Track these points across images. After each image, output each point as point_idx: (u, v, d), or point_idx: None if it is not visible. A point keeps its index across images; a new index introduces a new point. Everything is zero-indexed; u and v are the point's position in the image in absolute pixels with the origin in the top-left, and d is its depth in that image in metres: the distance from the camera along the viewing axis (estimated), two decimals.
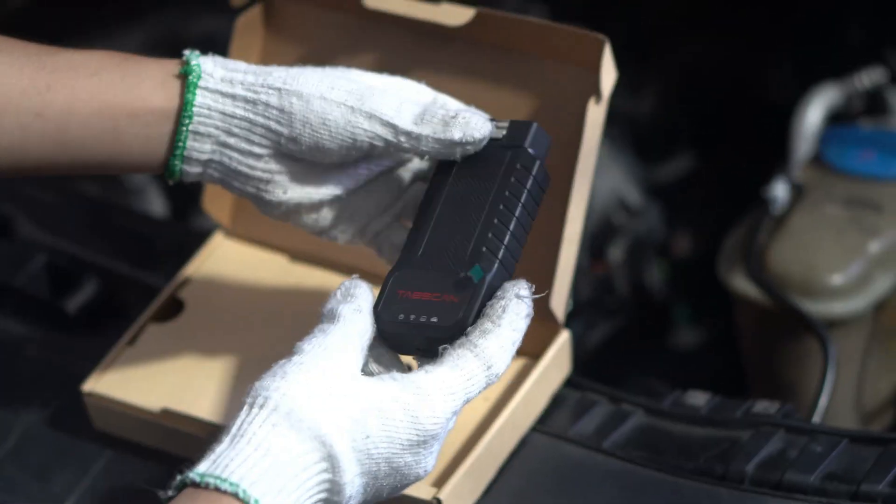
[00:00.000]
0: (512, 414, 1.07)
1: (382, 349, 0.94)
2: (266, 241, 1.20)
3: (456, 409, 0.91)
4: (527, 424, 1.09)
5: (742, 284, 1.50)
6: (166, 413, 1.09)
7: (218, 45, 1.71)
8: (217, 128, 0.97)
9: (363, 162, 1.00)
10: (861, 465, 1.05)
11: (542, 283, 1.07)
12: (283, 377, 0.88)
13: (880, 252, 1.49)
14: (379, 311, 0.93)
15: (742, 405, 1.12)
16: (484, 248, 0.94)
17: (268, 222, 1.05)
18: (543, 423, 1.10)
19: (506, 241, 0.95)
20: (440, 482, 1.03)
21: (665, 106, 1.83)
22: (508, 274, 0.95)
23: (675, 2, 1.83)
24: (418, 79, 1.10)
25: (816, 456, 1.06)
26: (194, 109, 0.97)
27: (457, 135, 0.96)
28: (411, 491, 1.01)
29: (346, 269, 1.13)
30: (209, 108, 0.97)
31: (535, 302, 1.07)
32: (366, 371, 0.92)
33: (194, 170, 0.98)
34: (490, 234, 0.94)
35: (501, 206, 0.95)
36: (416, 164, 1.02)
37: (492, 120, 0.98)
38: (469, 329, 0.92)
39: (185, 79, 0.97)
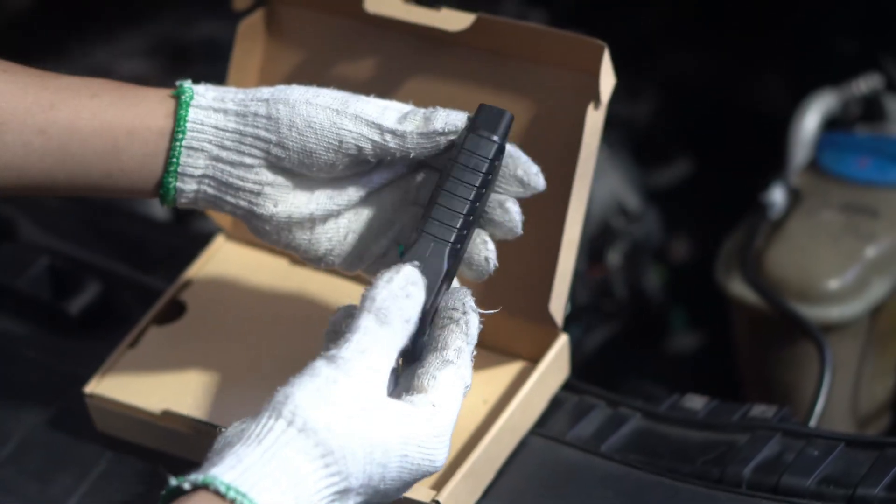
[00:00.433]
0: (510, 417, 1.07)
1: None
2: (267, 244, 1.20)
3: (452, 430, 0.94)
4: (525, 427, 1.10)
5: (739, 289, 1.50)
6: (168, 415, 1.09)
7: (220, 50, 1.72)
8: (210, 142, 0.99)
9: (354, 178, 1.01)
10: (857, 468, 1.05)
11: (541, 287, 1.08)
12: (324, 404, 0.87)
13: (876, 257, 1.49)
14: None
15: (739, 409, 1.12)
16: (434, 239, 0.95)
17: None
18: (541, 426, 1.11)
19: (457, 225, 0.95)
20: (439, 485, 1.03)
21: (663, 111, 1.83)
22: (456, 257, 0.96)
23: (672, 9, 1.84)
24: (418, 83, 1.11)
25: (813, 460, 1.06)
26: (187, 125, 0.98)
27: (438, 125, 0.97)
28: (411, 493, 1.02)
29: (347, 274, 1.13)
30: (202, 123, 0.98)
31: (534, 305, 1.08)
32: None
33: (189, 187, 0.99)
34: (440, 222, 0.95)
35: (449, 189, 0.96)
36: (407, 185, 1.02)
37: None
38: (443, 347, 0.94)
39: (179, 99, 0.99)
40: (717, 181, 1.80)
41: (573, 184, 1.06)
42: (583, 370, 1.20)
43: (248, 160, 0.99)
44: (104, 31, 1.81)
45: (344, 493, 0.88)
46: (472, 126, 0.97)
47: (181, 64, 1.78)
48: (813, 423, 1.21)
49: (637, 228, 1.70)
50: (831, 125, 1.59)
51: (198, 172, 0.99)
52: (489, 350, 1.10)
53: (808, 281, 1.48)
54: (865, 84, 1.59)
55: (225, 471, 0.85)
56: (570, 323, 1.12)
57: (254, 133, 0.99)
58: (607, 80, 1.06)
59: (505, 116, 0.97)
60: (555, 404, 1.12)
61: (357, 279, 1.16)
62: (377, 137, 0.98)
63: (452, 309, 0.95)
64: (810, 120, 1.58)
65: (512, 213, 0.99)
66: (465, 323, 0.95)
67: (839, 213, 1.52)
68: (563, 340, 1.11)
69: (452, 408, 0.92)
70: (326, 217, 1.00)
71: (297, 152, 0.98)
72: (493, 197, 0.98)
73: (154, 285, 1.21)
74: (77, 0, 1.84)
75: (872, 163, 1.55)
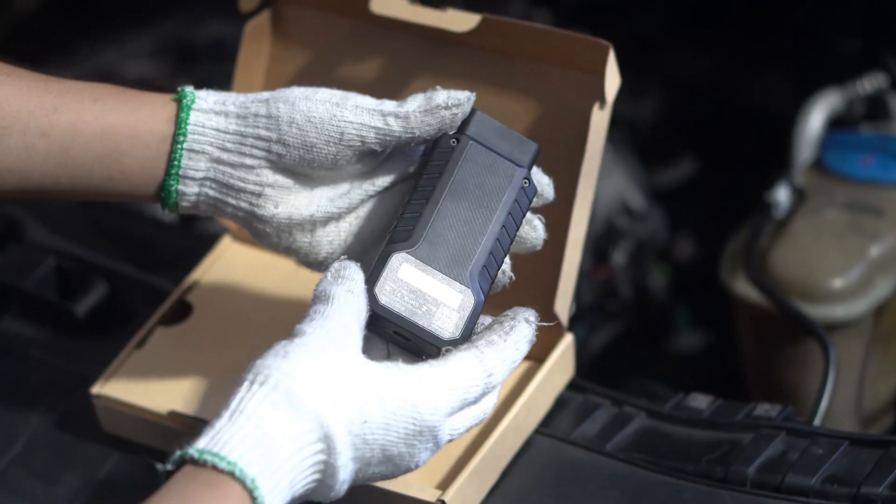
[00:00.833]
0: (516, 416, 1.07)
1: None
2: None
3: (454, 406, 0.92)
4: (530, 427, 1.10)
5: (743, 288, 1.50)
6: (174, 415, 1.09)
7: (226, 50, 1.72)
8: (211, 144, 0.99)
9: (355, 182, 1.01)
10: (861, 467, 1.05)
11: (547, 287, 1.08)
12: (284, 356, 0.89)
13: (881, 256, 1.49)
14: (375, 290, 0.95)
15: (743, 408, 1.12)
16: (484, 266, 0.96)
17: None
18: (547, 425, 1.11)
19: (500, 262, 0.98)
20: (445, 484, 1.04)
21: (668, 111, 1.83)
22: (489, 290, 0.98)
23: (677, 9, 1.84)
24: (424, 84, 1.11)
25: (817, 458, 1.06)
26: (188, 127, 0.99)
27: (441, 99, 0.98)
28: (416, 493, 1.02)
29: None
30: (203, 126, 0.99)
31: (539, 305, 1.08)
32: (368, 355, 0.93)
33: (190, 189, 1.00)
34: (491, 254, 0.97)
35: (504, 228, 0.98)
36: (407, 189, 1.02)
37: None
38: (475, 336, 0.94)
39: (180, 103, 0.99)
40: (721, 180, 1.80)
41: (578, 183, 1.07)
42: (588, 369, 1.21)
43: (249, 161, 0.99)
44: (111, 31, 1.81)
45: (325, 439, 0.88)
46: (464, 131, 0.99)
47: (188, 65, 1.78)
48: (817, 421, 1.22)
49: (641, 228, 1.71)
50: (836, 124, 1.59)
51: (199, 175, 0.99)
52: None
53: (812, 280, 1.48)
54: (870, 83, 1.59)
55: (198, 441, 0.87)
56: (575, 322, 1.12)
57: (254, 133, 0.99)
58: (612, 81, 1.06)
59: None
60: (560, 404, 1.12)
61: None
62: (379, 123, 0.98)
63: (504, 315, 0.96)
64: (815, 119, 1.58)
65: (539, 231, 1.01)
66: (511, 327, 0.95)
67: (843, 212, 1.52)
68: (568, 340, 1.11)
69: (454, 374, 0.92)
70: (327, 220, 1.01)
71: (297, 148, 0.99)
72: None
73: (160, 286, 1.21)
74: (85, 1, 1.84)
75: (877, 162, 1.55)
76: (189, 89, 1.00)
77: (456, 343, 0.94)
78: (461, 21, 1.09)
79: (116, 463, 1.11)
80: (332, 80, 1.13)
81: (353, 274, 0.94)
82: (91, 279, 1.22)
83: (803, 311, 1.42)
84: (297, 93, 0.99)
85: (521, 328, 0.95)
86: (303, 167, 0.99)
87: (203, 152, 0.99)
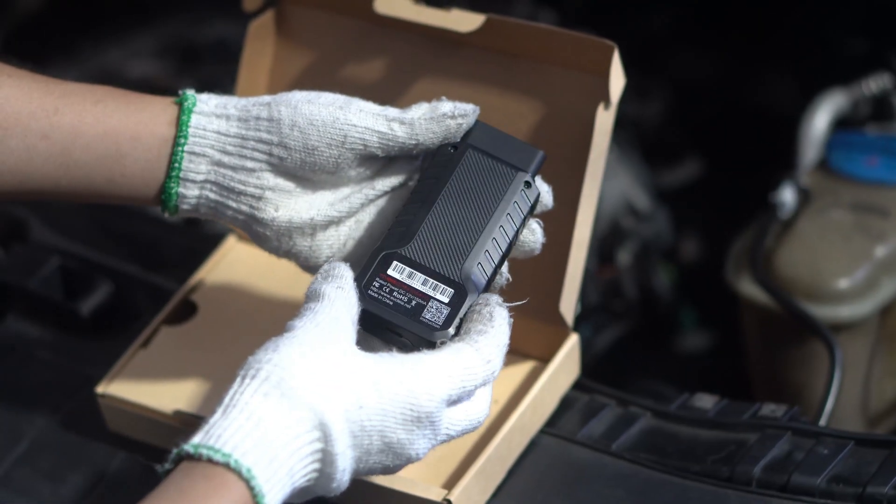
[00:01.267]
0: (521, 416, 1.07)
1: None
2: None
3: (451, 393, 0.92)
4: (536, 427, 1.10)
5: (749, 288, 1.50)
6: (179, 415, 1.09)
7: (230, 50, 1.72)
8: (212, 147, 0.99)
9: (355, 186, 1.01)
10: (867, 467, 1.05)
11: (551, 287, 1.08)
12: (275, 350, 0.90)
13: (886, 257, 1.49)
14: (363, 287, 0.95)
15: (749, 408, 1.12)
16: (479, 263, 0.96)
17: None
18: (552, 425, 1.11)
19: (496, 262, 0.97)
20: (450, 484, 1.04)
21: (673, 111, 1.83)
22: (486, 290, 0.98)
23: (682, 9, 1.84)
24: (428, 84, 1.11)
25: (823, 458, 1.06)
26: (189, 130, 0.99)
27: (447, 108, 0.98)
28: (422, 492, 1.02)
29: None
30: (204, 129, 0.99)
31: (544, 305, 1.09)
32: (363, 347, 0.93)
33: (191, 192, 1.00)
34: (487, 252, 0.97)
35: (501, 228, 0.97)
36: (407, 194, 1.02)
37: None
38: (464, 329, 0.95)
39: (182, 106, 0.99)
40: (726, 181, 1.80)
41: (583, 184, 1.07)
42: (593, 370, 1.21)
43: (249, 164, 0.99)
44: (115, 31, 1.81)
45: (321, 426, 0.88)
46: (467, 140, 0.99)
47: (191, 65, 1.78)
48: (823, 422, 1.22)
49: (647, 228, 1.71)
50: (841, 125, 1.59)
51: (200, 178, 1.00)
52: None
53: (818, 280, 1.48)
54: (875, 84, 1.59)
55: (193, 437, 0.87)
56: (581, 323, 1.12)
57: (256, 136, 0.99)
58: (617, 81, 1.06)
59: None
60: (565, 404, 1.12)
61: None
62: (383, 128, 0.98)
63: (477, 305, 0.96)
64: (820, 119, 1.58)
65: (537, 235, 1.00)
66: (490, 314, 0.95)
67: (849, 213, 1.52)
68: (573, 340, 1.11)
69: (450, 362, 0.92)
70: (327, 224, 1.01)
71: (298, 151, 0.99)
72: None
73: (165, 286, 1.22)
74: (87, 1, 1.84)
75: (882, 162, 1.55)
76: (190, 92, 1.00)
77: (448, 337, 0.94)
78: (465, 21, 1.09)
79: (122, 462, 1.11)
80: (335, 79, 1.13)
81: (343, 272, 0.95)
82: (96, 279, 1.22)
83: (809, 312, 1.42)
84: (300, 96, 0.99)
85: (499, 311, 0.96)
86: (304, 171, 0.99)
87: (204, 155, 0.99)
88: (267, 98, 1.00)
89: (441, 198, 0.98)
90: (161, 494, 0.86)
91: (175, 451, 0.87)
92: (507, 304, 0.97)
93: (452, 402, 0.93)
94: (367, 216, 1.01)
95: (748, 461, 1.06)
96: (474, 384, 0.93)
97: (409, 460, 0.92)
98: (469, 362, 0.93)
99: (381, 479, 1.03)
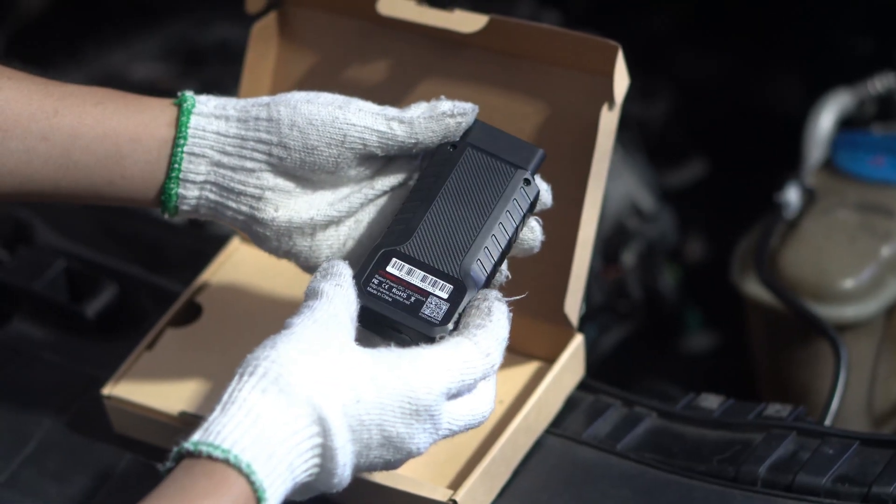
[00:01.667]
0: (526, 417, 1.07)
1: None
2: None
3: (450, 387, 0.92)
4: (541, 427, 1.10)
5: (754, 289, 1.50)
6: (184, 416, 1.10)
7: (233, 52, 1.72)
8: (212, 148, 0.99)
9: (355, 186, 1.01)
10: (872, 467, 1.05)
11: (556, 287, 1.08)
12: (272, 347, 0.90)
13: (892, 256, 1.49)
14: (362, 284, 0.95)
15: (754, 408, 1.12)
16: (478, 259, 0.96)
17: None
18: (557, 425, 1.11)
19: (496, 258, 0.97)
20: (456, 484, 1.04)
21: (677, 112, 1.83)
22: (486, 286, 0.98)
23: (686, 9, 1.84)
24: (431, 85, 1.11)
25: (828, 458, 1.06)
26: (189, 131, 0.99)
27: (446, 107, 0.98)
28: (427, 492, 1.02)
29: None
30: (203, 129, 0.99)
31: (549, 306, 1.09)
32: (363, 345, 0.93)
33: (191, 193, 1.00)
34: (486, 248, 0.97)
35: (501, 225, 0.97)
36: (407, 194, 1.02)
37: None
38: (462, 324, 0.95)
39: (181, 107, 1.00)
40: (731, 181, 1.80)
41: (587, 185, 1.06)
42: (598, 370, 1.21)
43: (249, 164, 0.99)
44: (118, 33, 1.81)
45: (320, 421, 0.88)
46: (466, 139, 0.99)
47: (195, 67, 1.78)
48: (828, 422, 1.21)
49: (651, 229, 1.71)
50: (846, 124, 1.59)
51: (199, 178, 1.00)
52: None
53: (823, 280, 1.48)
54: (880, 83, 1.59)
55: (193, 435, 0.88)
56: (585, 323, 1.12)
57: (255, 136, 0.99)
58: (621, 81, 1.06)
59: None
60: (570, 404, 1.12)
61: None
62: (383, 127, 0.98)
63: (476, 300, 0.96)
64: (825, 119, 1.58)
65: (536, 232, 1.00)
66: (488, 308, 0.95)
67: (854, 213, 1.52)
68: (578, 340, 1.11)
69: (448, 355, 0.92)
70: (327, 224, 1.01)
71: (298, 151, 0.99)
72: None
73: (170, 288, 1.22)
74: (92, 3, 1.84)
75: (888, 162, 1.55)
76: (189, 93, 1.00)
77: (447, 332, 0.95)
78: (469, 22, 1.09)
79: (128, 463, 1.11)
80: (338, 80, 1.14)
81: (342, 270, 0.95)
82: (101, 281, 1.22)
83: (814, 312, 1.42)
84: (299, 96, 0.99)
85: (498, 306, 0.95)
86: (303, 171, 0.99)
87: (203, 156, 0.99)
88: (266, 98, 1.00)
89: (440, 196, 0.98)
90: (162, 493, 0.86)
91: (175, 449, 0.88)
92: (506, 299, 0.97)
93: (453, 396, 0.93)
94: (367, 215, 1.01)
95: (753, 461, 1.06)
96: (474, 377, 0.93)
97: (411, 455, 0.92)
98: (467, 355, 0.93)
99: (386, 480, 1.03)
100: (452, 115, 0.98)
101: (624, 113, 1.08)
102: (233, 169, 0.99)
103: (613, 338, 1.69)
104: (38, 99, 0.98)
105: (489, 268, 0.97)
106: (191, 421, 1.09)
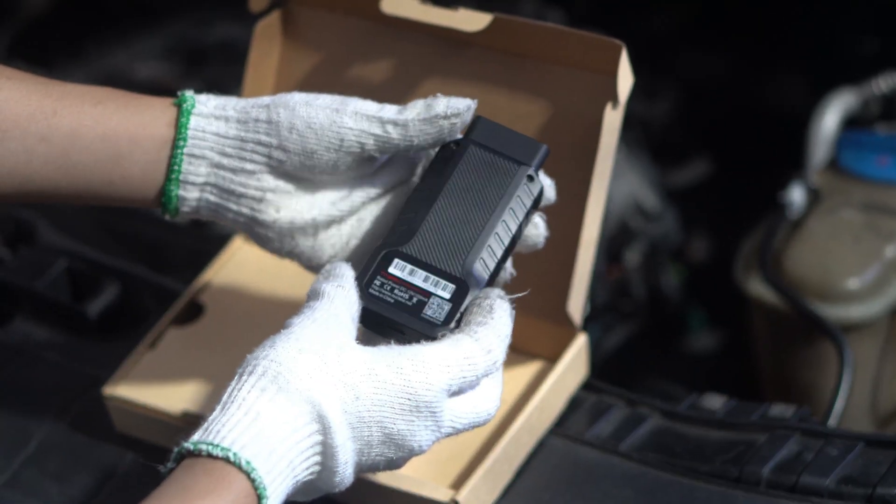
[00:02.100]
0: (529, 417, 1.07)
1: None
2: None
3: (451, 383, 0.92)
4: (544, 427, 1.10)
5: (758, 288, 1.50)
6: (187, 416, 1.10)
7: (236, 51, 1.72)
8: (211, 149, 0.99)
9: (356, 184, 1.01)
10: (876, 468, 1.05)
11: (560, 287, 1.08)
12: (272, 346, 0.90)
13: None
14: (364, 285, 0.95)
15: (758, 409, 1.12)
16: (481, 258, 0.96)
17: None
18: (560, 425, 1.11)
19: (499, 256, 0.97)
20: (458, 484, 1.04)
21: (681, 111, 1.83)
22: (490, 284, 0.97)
23: (690, 8, 1.84)
24: (434, 84, 1.11)
25: (832, 459, 1.06)
26: (189, 132, 0.99)
27: (440, 108, 0.98)
28: (430, 492, 1.02)
29: None
30: (203, 131, 0.99)
31: (552, 305, 1.08)
32: (364, 344, 0.93)
33: (191, 195, 0.99)
34: (489, 246, 0.96)
35: (504, 222, 0.97)
36: (409, 191, 1.02)
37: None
38: (464, 322, 0.95)
39: (180, 107, 0.99)
40: (735, 180, 1.80)
41: (591, 184, 1.06)
42: (601, 370, 1.20)
43: (249, 166, 0.99)
44: (121, 33, 1.81)
45: (319, 419, 0.88)
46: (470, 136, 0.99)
47: (198, 66, 1.78)
48: (832, 422, 1.21)
49: (655, 228, 1.70)
50: (851, 124, 1.59)
51: (199, 180, 0.99)
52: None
53: (827, 280, 1.48)
54: (885, 83, 1.59)
55: (193, 435, 0.88)
56: (589, 323, 1.12)
57: (255, 138, 0.99)
58: (625, 80, 1.06)
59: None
60: (573, 404, 1.12)
61: None
62: (378, 130, 0.98)
63: (477, 298, 0.96)
64: (830, 119, 1.58)
65: (540, 228, 1.00)
66: (490, 305, 0.95)
67: (859, 213, 1.52)
68: (581, 340, 1.11)
69: (448, 351, 0.92)
70: (329, 223, 1.01)
71: (297, 154, 0.98)
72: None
73: (172, 287, 1.22)
74: (94, 2, 1.84)
75: (892, 161, 1.55)
76: (189, 94, 1.00)
77: (448, 327, 0.94)
78: (472, 21, 1.09)
79: (130, 463, 1.11)
80: (342, 80, 1.13)
81: (344, 271, 0.95)
82: (103, 280, 1.22)
83: (818, 312, 1.42)
84: (298, 98, 0.99)
85: (500, 303, 0.95)
86: (303, 172, 0.99)
87: (203, 157, 0.99)
88: (266, 99, 1.00)
89: (443, 194, 0.98)
90: (164, 492, 0.86)
91: (176, 449, 0.88)
92: (509, 297, 0.96)
93: (454, 393, 0.93)
94: (370, 214, 1.01)
95: (757, 462, 1.06)
96: (475, 374, 0.93)
97: (413, 453, 0.92)
98: (468, 352, 0.92)
99: (388, 479, 1.03)
100: (447, 117, 0.98)
101: (627, 112, 1.08)
102: (233, 171, 0.99)
103: (616, 337, 1.69)
104: (36, 99, 0.98)
105: (492, 266, 0.97)
106: (193, 420, 1.09)
